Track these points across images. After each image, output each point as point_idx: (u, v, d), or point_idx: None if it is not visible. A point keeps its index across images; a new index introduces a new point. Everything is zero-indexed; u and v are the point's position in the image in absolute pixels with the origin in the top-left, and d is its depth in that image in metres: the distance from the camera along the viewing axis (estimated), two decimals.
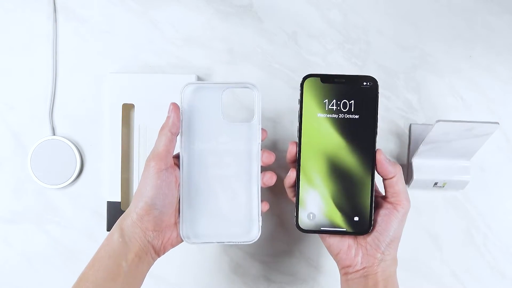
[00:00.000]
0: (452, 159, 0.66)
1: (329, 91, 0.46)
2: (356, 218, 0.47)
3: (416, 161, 0.67)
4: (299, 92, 0.47)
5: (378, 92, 0.46)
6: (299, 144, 0.47)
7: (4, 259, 0.71)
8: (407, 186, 0.69)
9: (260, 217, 0.49)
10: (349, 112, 0.46)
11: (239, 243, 0.49)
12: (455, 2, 0.69)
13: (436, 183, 0.67)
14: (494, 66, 0.69)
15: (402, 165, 0.70)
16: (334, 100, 0.46)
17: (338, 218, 0.47)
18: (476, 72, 0.69)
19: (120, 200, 0.68)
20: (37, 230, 0.71)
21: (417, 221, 0.70)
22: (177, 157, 0.50)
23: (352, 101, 0.46)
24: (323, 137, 0.47)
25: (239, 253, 0.70)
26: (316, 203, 0.47)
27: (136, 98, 0.68)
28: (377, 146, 0.47)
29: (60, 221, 0.71)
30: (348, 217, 0.47)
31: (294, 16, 0.70)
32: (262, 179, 0.49)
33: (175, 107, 0.49)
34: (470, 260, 0.70)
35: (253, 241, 0.48)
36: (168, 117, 0.49)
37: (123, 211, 0.68)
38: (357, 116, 0.46)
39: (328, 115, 0.46)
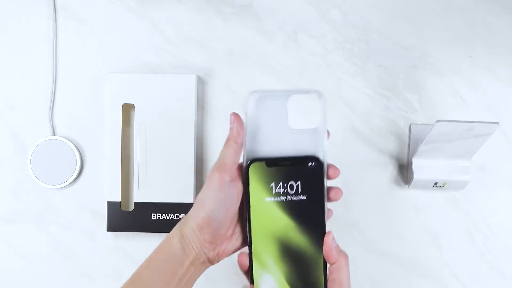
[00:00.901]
0: (452, 159, 0.66)
1: (275, 174, 0.46)
2: None
3: (416, 161, 0.67)
4: (244, 176, 0.46)
5: (324, 171, 0.46)
6: (249, 229, 0.47)
7: (4, 259, 0.71)
8: (406, 186, 0.69)
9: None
10: (296, 193, 0.46)
11: None
12: (455, 2, 0.69)
13: (436, 183, 0.67)
14: (494, 66, 0.69)
15: (402, 165, 0.70)
16: (281, 183, 0.46)
17: None
18: (476, 72, 0.69)
19: (120, 200, 0.68)
20: (37, 230, 0.71)
21: (417, 221, 0.70)
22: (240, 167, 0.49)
23: (299, 182, 0.46)
24: (273, 221, 0.46)
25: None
26: (271, 286, 0.47)
27: (136, 98, 0.68)
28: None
29: (60, 221, 0.71)
30: None
31: (294, 16, 0.70)
32: (328, 193, 0.48)
33: (236, 117, 0.47)
34: (470, 260, 0.70)
35: None
36: (231, 128, 0.47)
37: (123, 211, 0.68)
38: (304, 197, 0.46)
39: (276, 199, 0.46)
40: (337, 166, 0.48)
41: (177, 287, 0.47)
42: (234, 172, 0.47)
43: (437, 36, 0.69)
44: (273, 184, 0.46)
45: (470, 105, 0.69)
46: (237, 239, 0.49)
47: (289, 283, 0.47)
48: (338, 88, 0.70)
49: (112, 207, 0.68)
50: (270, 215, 0.46)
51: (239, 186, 0.47)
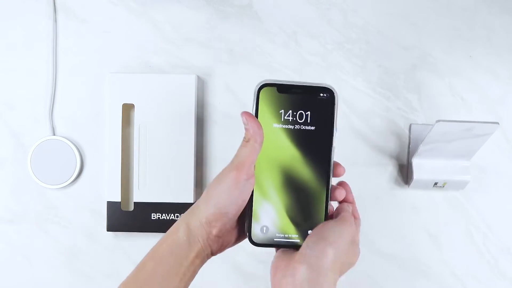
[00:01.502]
0: (452, 159, 0.66)
1: (285, 101, 0.45)
2: (310, 232, 0.46)
3: (416, 161, 0.67)
4: (253, 99, 0.45)
5: (335, 104, 0.45)
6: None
7: (4, 259, 0.71)
8: (406, 186, 0.69)
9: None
10: (305, 123, 0.45)
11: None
12: (455, 2, 0.69)
13: (436, 183, 0.67)
14: (494, 66, 0.69)
15: (402, 165, 0.70)
16: (290, 111, 0.45)
17: (291, 231, 0.46)
18: (476, 72, 0.69)
19: (120, 200, 0.68)
20: (37, 230, 0.71)
21: (417, 221, 0.70)
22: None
23: (309, 112, 0.45)
24: (278, 148, 0.46)
25: (240, 253, 0.70)
26: (270, 216, 0.46)
27: (136, 98, 0.68)
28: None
29: (60, 221, 0.71)
30: (302, 230, 0.46)
31: (294, 16, 0.70)
32: (333, 192, 0.48)
33: (249, 116, 0.46)
34: (470, 260, 0.70)
35: None
36: (248, 129, 0.46)
37: (123, 211, 0.68)
38: (313, 128, 0.45)
39: (284, 126, 0.45)
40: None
41: (182, 279, 0.47)
42: (251, 170, 0.46)
43: (437, 36, 0.69)
44: (282, 111, 0.45)
45: (470, 105, 0.69)
46: (239, 230, 0.49)
47: (289, 215, 0.46)
48: (338, 88, 0.69)
49: (112, 207, 0.68)
50: (276, 142, 0.45)
51: (252, 183, 0.47)
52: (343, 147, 0.70)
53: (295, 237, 0.47)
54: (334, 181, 0.47)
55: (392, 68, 0.70)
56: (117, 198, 0.68)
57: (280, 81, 0.45)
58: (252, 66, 0.70)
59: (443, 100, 0.70)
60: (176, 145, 0.68)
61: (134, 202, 0.68)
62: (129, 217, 0.68)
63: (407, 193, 0.70)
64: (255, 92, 0.45)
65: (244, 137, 0.46)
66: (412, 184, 0.67)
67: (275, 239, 0.47)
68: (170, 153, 0.68)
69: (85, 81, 0.70)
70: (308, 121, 0.45)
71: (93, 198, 0.71)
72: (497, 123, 0.59)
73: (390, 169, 0.70)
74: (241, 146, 0.46)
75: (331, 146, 0.46)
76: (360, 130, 0.70)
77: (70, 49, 0.70)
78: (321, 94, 0.45)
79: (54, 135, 0.70)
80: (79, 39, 0.70)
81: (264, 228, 0.47)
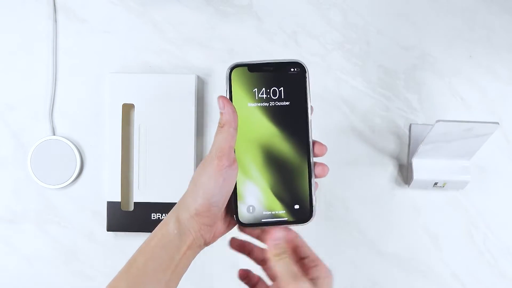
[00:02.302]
0: (452, 159, 0.66)
1: (257, 79, 0.46)
2: (296, 206, 0.46)
3: (416, 161, 0.67)
4: (226, 83, 0.46)
5: (306, 77, 0.46)
6: None
7: (4, 259, 0.71)
8: (406, 186, 0.69)
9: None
10: (279, 99, 0.46)
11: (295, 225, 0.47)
12: (455, 2, 0.69)
13: (436, 183, 0.67)
14: (494, 66, 0.69)
15: (402, 165, 0.70)
16: (264, 89, 0.46)
17: (278, 208, 0.47)
18: (476, 72, 0.69)
19: (120, 200, 0.68)
20: (37, 230, 0.71)
21: (417, 221, 0.70)
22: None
23: (282, 88, 0.46)
24: (256, 127, 0.46)
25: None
26: (255, 195, 0.46)
27: (136, 98, 0.68)
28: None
29: (60, 221, 0.71)
30: (288, 206, 0.47)
31: (294, 16, 0.70)
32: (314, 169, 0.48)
33: (225, 100, 0.46)
34: (470, 260, 0.70)
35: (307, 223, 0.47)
36: (223, 113, 0.46)
37: (123, 211, 0.68)
38: (287, 103, 0.46)
39: (259, 104, 0.46)
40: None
41: (174, 271, 0.46)
42: (232, 156, 0.46)
43: (437, 36, 0.69)
44: (255, 89, 0.46)
45: (470, 105, 0.69)
46: (230, 217, 0.49)
47: (273, 192, 0.46)
48: (338, 88, 0.70)
49: (112, 207, 0.68)
50: (253, 121, 0.46)
51: (236, 168, 0.47)
52: (343, 147, 0.70)
53: (282, 214, 0.47)
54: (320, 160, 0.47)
55: (392, 68, 0.70)
56: (117, 198, 0.68)
57: (250, 61, 0.46)
58: None
59: (443, 100, 0.70)
60: (176, 145, 0.68)
61: (134, 202, 0.68)
62: (129, 217, 0.68)
63: (407, 193, 0.70)
64: (226, 75, 0.46)
65: (219, 122, 0.46)
66: (412, 184, 0.67)
67: (262, 219, 0.47)
68: (170, 153, 0.68)
69: (85, 81, 0.70)
70: (282, 97, 0.46)
71: (93, 198, 0.71)
72: (497, 123, 0.59)
73: (390, 169, 0.70)
74: (217, 132, 0.46)
75: (307, 119, 0.46)
76: (360, 130, 0.70)
77: (70, 49, 0.70)
78: (292, 69, 0.46)
79: (54, 135, 0.70)
80: (79, 39, 0.70)
81: (251, 208, 0.47)
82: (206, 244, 0.49)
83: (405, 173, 0.70)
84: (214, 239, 0.49)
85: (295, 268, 0.45)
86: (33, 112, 0.71)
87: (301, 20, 0.70)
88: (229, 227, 0.50)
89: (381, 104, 0.70)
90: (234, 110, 0.46)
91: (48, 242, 0.71)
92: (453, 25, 0.69)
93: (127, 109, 0.69)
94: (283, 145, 0.46)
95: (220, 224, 0.49)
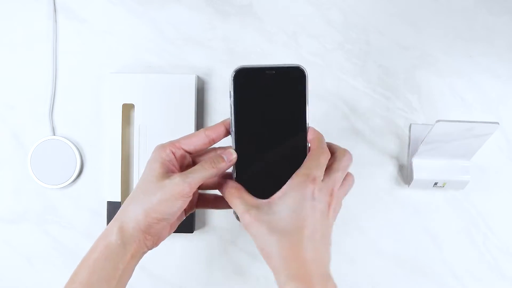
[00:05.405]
0: (452, 159, 0.66)
1: (260, 82, 0.49)
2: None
3: (416, 161, 0.67)
4: (230, 85, 0.48)
5: (306, 82, 0.49)
6: (235, 131, 0.49)
7: (4, 259, 0.71)
8: (406, 186, 0.69)
9: None
10: (279, 102, 0.49)
11: None
12: (455, 2, 0.69)
13: (436, 183, 0.67)
14: (494, 66, 0.69)
15: (402, 165, 0.70)
16: (265, 91, 0.49)
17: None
18: (476, 72, 0.69)
19: (120, 200, 0.68)
20: (37, 230, 0.71)
21: (417, 221, 0.70)
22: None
23: (282, 91, 0.49)
24: (256, 127, 0.49)
25: (240, 253, 0.70)
26: (260, 182, 0.49)
27: (136, 98, 0.68)
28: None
29: (60, 221, 0.71)
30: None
31: (294, 16, 0.70)
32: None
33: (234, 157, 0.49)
34: (470, 260, 0.70)
35: None
36: (227, 161, 0.48)
37: None
38: (287, 105, 0.49)
39: (260, 105, 0.49)
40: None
41: (119, 281, 0.47)
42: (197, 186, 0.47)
43: (437, 36, 0.69)
44: (258, 92, 0.49)
45: (470, 105, 0.69)
46: (174, 224, 0.51)
47: (277, 178, 0.48)
48: (338, 88, 0.70)
49: (112, 207, 0.68)
50: (255, 118, 0.49)
51: (195, 192, 0.48)
52: (343, 147, 0.70)
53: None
54: None
55: (392, 68, 0.70)
56: (117, 198, 0.68)
57: (254, 65, 0.49)
58: None
59: (443, 100, 0.70)
60: None
61: None
62: None
63: (407, 193, 0.70)
64: (230, 78, 0.48)
65: (221, 158, 0.48)
66: (412, 184, 0.67)
67: None
68: None
69: (85, 81, 0.70)
70: (283, 99, 0.49)
71: (93, 198, 0.71)
72: (497, 123, 0.59)
73: (390, 169, 0.70)
74: (211, 165, 0.47)
75: (305, 121, 0.49)
76: (360, 130, 0.70)
77: (70, 49, 0.70)
78: (293, 73, 0.49)
79: (54, 135, 0.70)
80: (79, 39, 0.70)
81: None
82: (149, 249, 0.49)
83: (405, 173, 0.70)
84: (156, 245, 0.50)
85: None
86: (33, 112, 0.71)
87: (301, 20, 0.70)
88: (171, 230, 0.51)
89: (381, 104, 0.70)
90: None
91: (48, 242, 0.71)
92: (453, 25, 0.69)
93: (127, 109, 0.69)
94: (282, 146, 0.49)
95: (164, 233, 0.49)
